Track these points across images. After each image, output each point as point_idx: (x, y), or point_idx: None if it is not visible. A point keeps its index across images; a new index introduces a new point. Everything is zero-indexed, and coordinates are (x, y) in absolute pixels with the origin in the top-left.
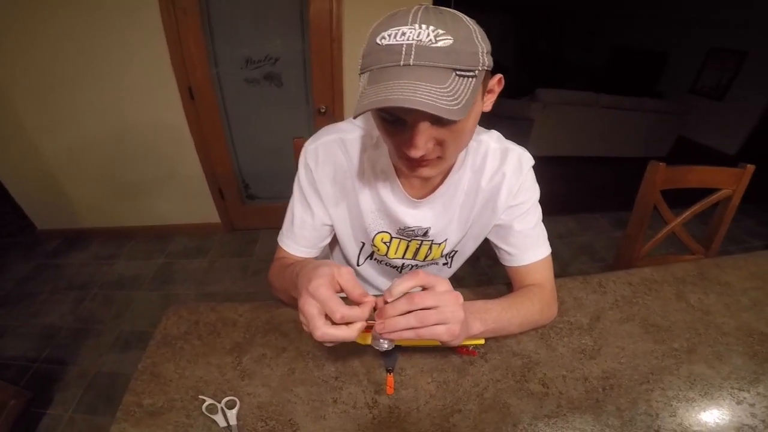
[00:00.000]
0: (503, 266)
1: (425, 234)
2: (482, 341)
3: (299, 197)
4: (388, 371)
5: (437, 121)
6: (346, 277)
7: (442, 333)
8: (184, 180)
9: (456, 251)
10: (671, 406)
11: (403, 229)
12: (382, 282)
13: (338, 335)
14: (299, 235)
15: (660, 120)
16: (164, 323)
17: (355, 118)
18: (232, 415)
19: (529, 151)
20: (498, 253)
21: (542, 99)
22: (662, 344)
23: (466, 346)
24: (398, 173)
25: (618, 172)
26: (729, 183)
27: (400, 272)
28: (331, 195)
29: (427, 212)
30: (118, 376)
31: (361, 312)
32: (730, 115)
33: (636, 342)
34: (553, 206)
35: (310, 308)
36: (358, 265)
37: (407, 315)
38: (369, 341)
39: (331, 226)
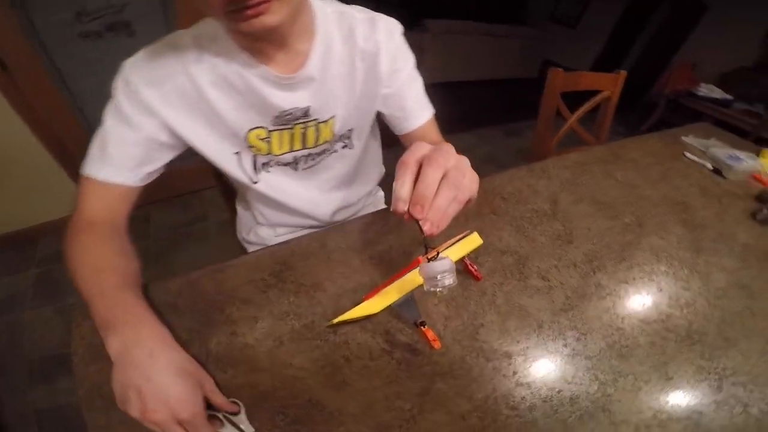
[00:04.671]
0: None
1: (306, 114)
2: (481, 241)
3: (113, 114)
4: (421, 324)
5: None
6: (211, 389)
7: (472, 186)
8: (29, 169)
9: (352, 129)
10: (653, 280)
11: (279, 116)
12: (295, 197)
13: None
14: (117, 155)
15: (528, 45)
16: (78, 337)
17: None
18: (242, 420)
19: (425, 80)
20: (392, 123)
21: (431, 29)
22: (616, 220)
23: (471, 263)
24: (254, 53)
25: (501, 91)
26: (608, 86)
27: (296, 169)
28: (171, 108)
29: (301, 91)
30: (63, 409)
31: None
32: (583, 41)
33: (595, 221)
34: (453, 125)
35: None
36: (254, 183)
37: (439, 192)
38: (376, 310)
39: (172, 145)
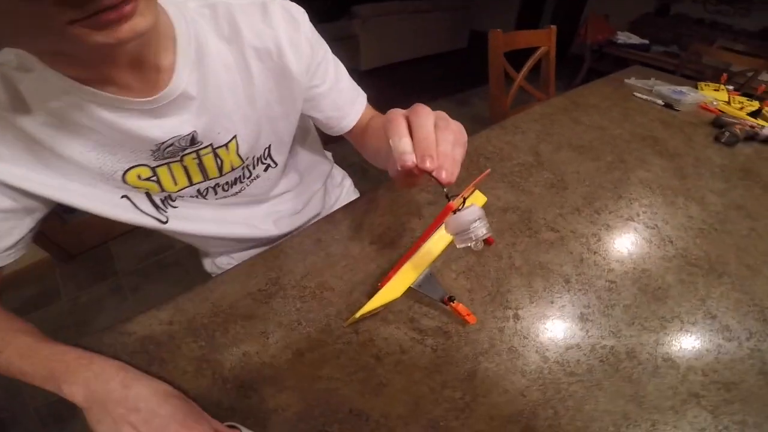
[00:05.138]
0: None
1: (193, 141)
2: (485, 199)
3: None
4: (449, 300)
5: None
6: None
7: (462, 130)
8: None
9: (269, 145)
10: (656, 213)
11: (159, 149)
12: (222, 225)
13: None
14: None
15: (455, 17)
16: None
17: None
18: None
19: (363, 67)
20: (329, 125)
21: (360, 15)
22: (599, 160)
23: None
24: (91, 81)
25: (439, 65)
26: (544, 41)
27: (206, 197)
28: (3, 163)
29: (177, 116)
30: None
31: None
32: (500, 5)
33: (581, 164)
34: (404, 106)
35: None
36: (164, 224)
37: (439, 138)
38: (398, 294)
39: (26, 208)
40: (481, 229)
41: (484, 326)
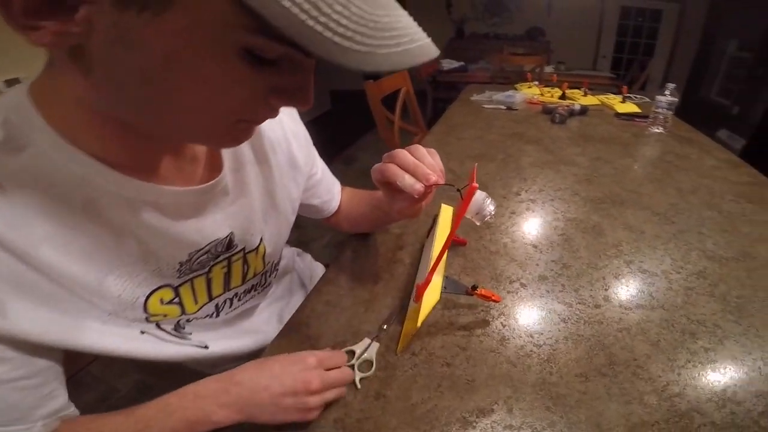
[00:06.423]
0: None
1: (229, 246)
2: (452, 208)
3: None
4: (474, 289)
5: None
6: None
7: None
8: None
9: (281, 247)
10: (553, 181)
11: (190, 261)
12: (225, 340)
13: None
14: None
15: (316, 81)
16: None
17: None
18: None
19: None
20: (321, 209)
21: None
22: (495, 160)
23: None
24: (122, 166)
25: (316, 131)
26: (403, 81)
27: (219, 313)
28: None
29: (211, 214)
30: None
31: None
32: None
33: (485, 167)
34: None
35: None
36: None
37: (419, 158)
38: (437, 298)
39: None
40: (491, 205)
41: (505, 300)
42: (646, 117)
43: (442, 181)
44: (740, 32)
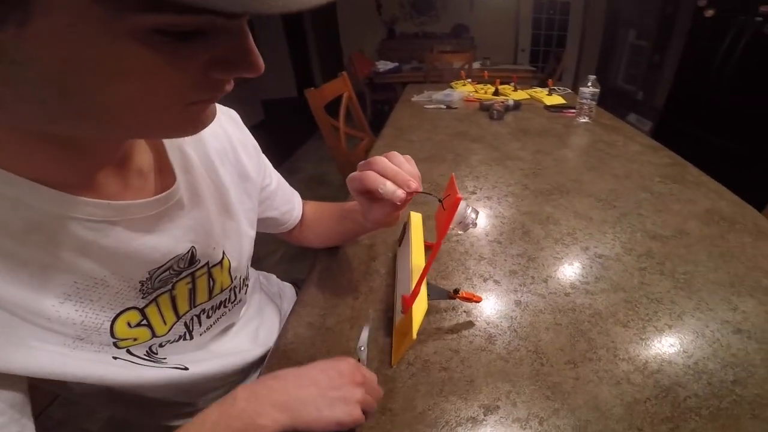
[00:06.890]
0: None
1: (192, 261)
2: (420, 215)
3: None
4: (456, 293)
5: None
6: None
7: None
8: None
9: (249, 258)
10: (501, 177)
11: (151, 279)
12: (210, 365)
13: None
14: None
15: (246, 92)
16: None
17: None
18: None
19: None
20: (281, 221)
21: None
22: (446, 160)
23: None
24: (64, 186)
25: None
26: (343, 87)
27: (191, 332)
28: None
29: (167, 230)
30: None
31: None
32: (277, 71)
33: (437, 168)
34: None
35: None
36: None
37: (398, 165)
38: (425, 306)
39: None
40: (473, 213)
41: (485, 298)
42: (573, 108)
43: (420, 189)
44: (637, 22)
